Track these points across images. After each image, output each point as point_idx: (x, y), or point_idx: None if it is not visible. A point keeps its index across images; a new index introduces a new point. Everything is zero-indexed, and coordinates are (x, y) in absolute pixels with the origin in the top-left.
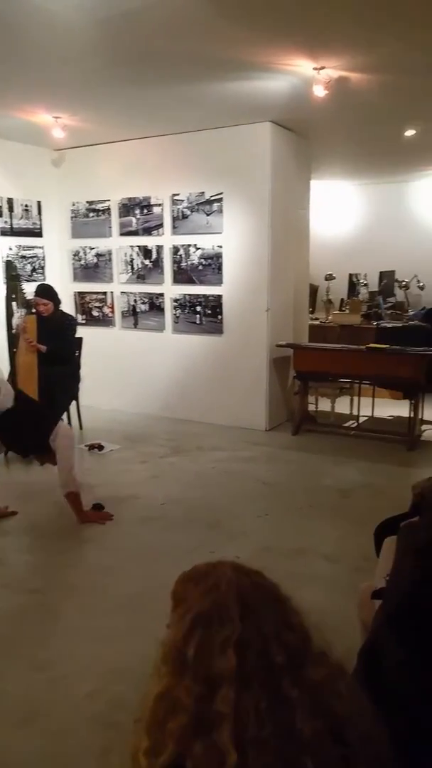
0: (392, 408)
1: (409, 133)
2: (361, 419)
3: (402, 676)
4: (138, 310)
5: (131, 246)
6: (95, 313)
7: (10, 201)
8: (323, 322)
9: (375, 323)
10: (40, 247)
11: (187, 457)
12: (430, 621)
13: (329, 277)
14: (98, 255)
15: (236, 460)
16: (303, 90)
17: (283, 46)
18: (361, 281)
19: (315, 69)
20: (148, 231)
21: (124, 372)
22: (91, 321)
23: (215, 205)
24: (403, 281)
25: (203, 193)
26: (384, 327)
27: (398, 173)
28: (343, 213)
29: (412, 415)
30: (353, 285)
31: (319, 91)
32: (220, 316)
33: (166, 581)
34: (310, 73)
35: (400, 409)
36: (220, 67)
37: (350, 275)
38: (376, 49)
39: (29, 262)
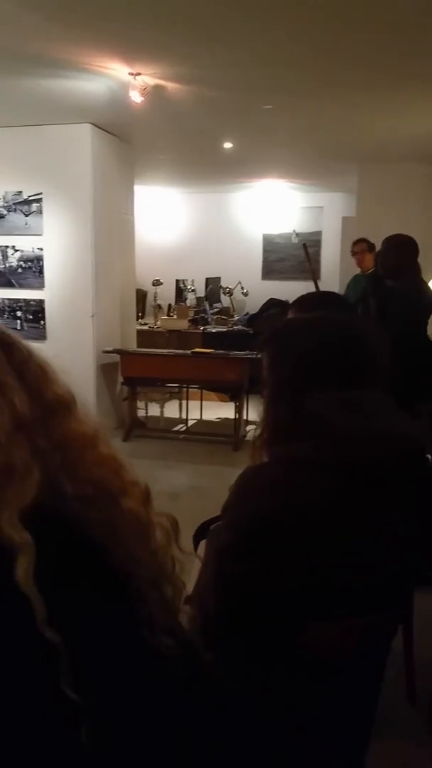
0: (219, 410)
1: (227, 145)
2: (190, 422)
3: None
4: None
5: None
6: None
7: None
8: (152, 327)
9: (202, 328)
10: None
11: None
12: (233, 626)
13: (156, 283)
14: None
15: None
16: (121, 94)
17: (97, 48)
18: (189, 287)
19: (131, 74)
20: None
21: None
22: None
23: (34, 206)
24: (227, 287)
25: (21, 192)
26: (210, 332)
27: (221, 183)
28: (170, 220)
29: (237, 416)
30: (180, 291)
31: (136, 97)
32: (42, 322)
33: None
34: (126, 78)
35: (227, 411)
36: (31, 62)
37: (177, 281)
38: (189, 62)
39: None
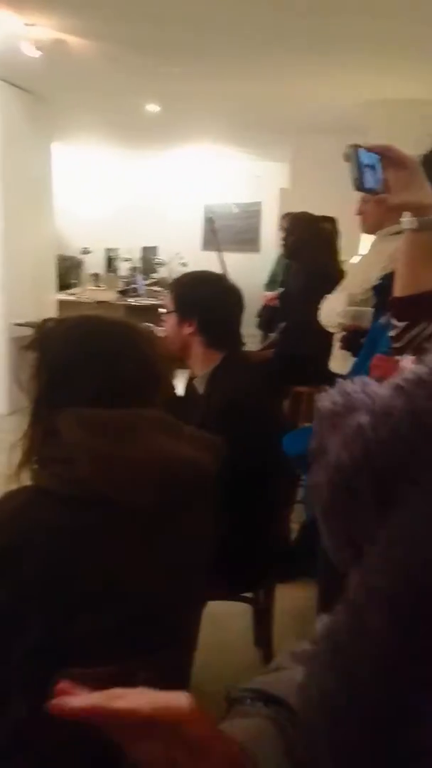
0: None
1: (152, 108)
2: None
3: None
4: None
5: None
6: None
7: None
8: (79, 298)
9: (132, 300)
10: None
11: None
12: None
13: (85, 251)
14: None
15: None
16: (20, 47)
17: None
18: (123, 256)
19: (26, 25)
20: None
21: None
22: None
23: None
24: (159, 259)
25: None
26: (130, 305)
27: (156, 147)
28: (105, 183)
29: None
30: (111, 260)
31: (30, 51)
32: None
33: None
34: (21, 29)
35: None
36: None
37: (107, 250)
38: (87, 13)
39: None
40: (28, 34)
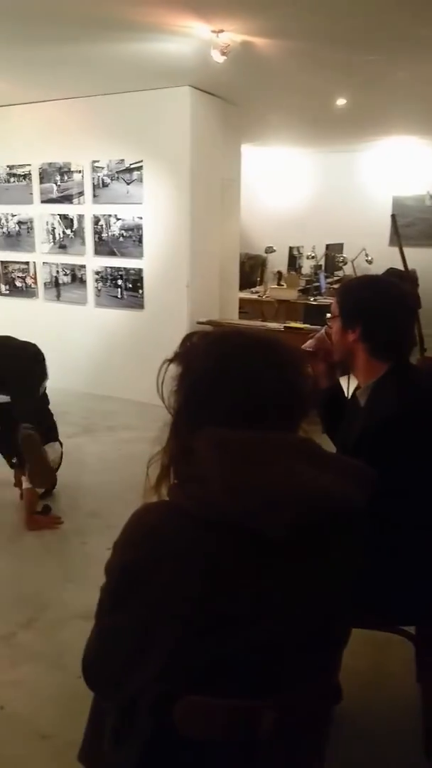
0: None
1: (340, 102)
2: None
3: None
4: (60, 281)
5: (52, 214)
6: (18, 284)
7: None
8: (260, 296)
9: (312, 299)
10: None
11: (95, 437)
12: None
13: (269, 250)
14: (20, 222)
15: (144, 441)
16: (209, 54)
17: (169, 6)
18: (308, 254)
19: (213, 32)
20: (68, 199)
21: (46, 345)
22: (15, 292)
23: (135, 174)
24: (341, 256)
25: (123, 160)
26: (311, 304)
27: (343, 142)
28: (291, 182)
29: None
30: (294, 258)
31: (217, 57)
32: (141, 291)
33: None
34: (209, 37)
35: None
36: (112, 27)
37: (290, 248)
38: (270, 13)
39: None
40: (216, 41)
